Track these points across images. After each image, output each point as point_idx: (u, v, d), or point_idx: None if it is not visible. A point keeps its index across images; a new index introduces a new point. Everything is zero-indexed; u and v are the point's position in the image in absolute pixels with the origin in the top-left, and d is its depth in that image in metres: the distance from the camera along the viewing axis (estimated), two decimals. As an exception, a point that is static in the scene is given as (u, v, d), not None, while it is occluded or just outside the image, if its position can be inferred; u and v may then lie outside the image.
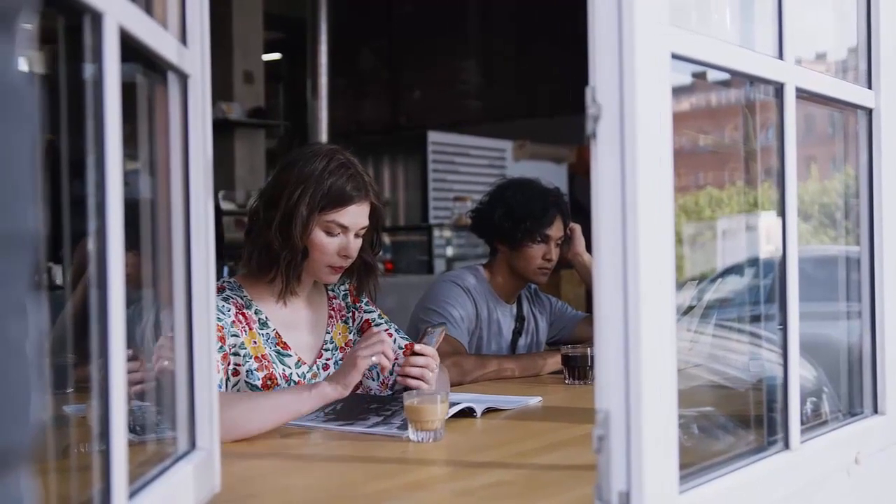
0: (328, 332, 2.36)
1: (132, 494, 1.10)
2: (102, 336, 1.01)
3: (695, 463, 1.35)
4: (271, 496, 1.59)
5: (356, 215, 2.22)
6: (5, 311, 0.55)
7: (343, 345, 2.38)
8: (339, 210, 2.20)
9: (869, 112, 1.82)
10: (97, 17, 1.00)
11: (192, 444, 1.38)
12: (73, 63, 1.05)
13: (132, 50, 1.12)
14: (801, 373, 1.57)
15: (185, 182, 1.37)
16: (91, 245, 1.02)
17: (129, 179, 1.11)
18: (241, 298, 2.23)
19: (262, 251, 2.22)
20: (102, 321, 1.01)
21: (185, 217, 1.37)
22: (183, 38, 1.36)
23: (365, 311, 2.44)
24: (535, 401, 2.37)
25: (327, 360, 2.33)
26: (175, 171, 1.36)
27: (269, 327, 2.24)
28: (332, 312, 2.39)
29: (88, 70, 1.03)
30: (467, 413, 2.12)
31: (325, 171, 2.19)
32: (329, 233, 2.21)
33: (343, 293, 2.44)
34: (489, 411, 2.19)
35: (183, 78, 1.35)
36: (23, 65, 0.58)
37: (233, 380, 2.14)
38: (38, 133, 0.58)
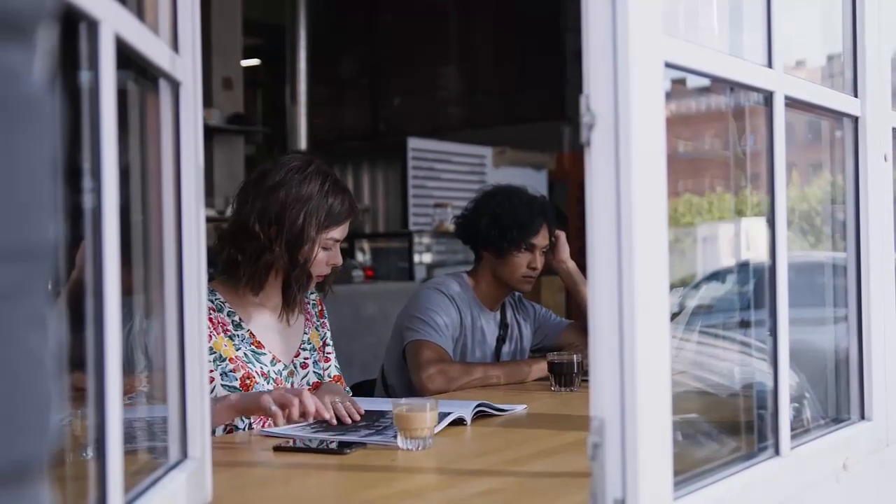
0: (306, 333, 2.46)
1: (126, 505, 1.09)
2: (98, 345, 1.00)
3: (688, 470, 1.35)
4: (262, 505, 1.58)
5: (346, 228, 2.37)
6: (27, 322, 0.55)
7: (318, 347, 2.48)
8: (337, 227, 2.33)
9: (855, 120, 1.84)
10: (93, 25, 0.99)
11: (184, 454, 1.37)
12: (67, 70, 1.04)
13: (124, 57, 1.12)
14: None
15: (176, 189, 1.36)
16: (87, 252, 1.01)
17: (120, 187, 1.10)
18: (212, 302, 2.25)
19: (264, 270, 2.28)
20: (98, 329, 1.00)
21: (176, 225, 1.36)
22: (175, 46, 1.35)
23: (327, 329, 2.55)
24: (520, 408, 2.37)
25: (305, 358, 2.43)
26: (166, 179, 1.35)
27: (243, 328, 2.31)
28: (308, 315, 2.49)
29: (83, 77, 1.02)
30: (457, 421, 2.12)
31: (322, 192, 2.29)
32: (325, 248, 2.33)
33: (312, 302, 2.54)
34: (479, 416, 2.20)
35: (175, 85, 1.35)
36: (42, 74, 0.58)
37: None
38: (57, 143, 0.58)
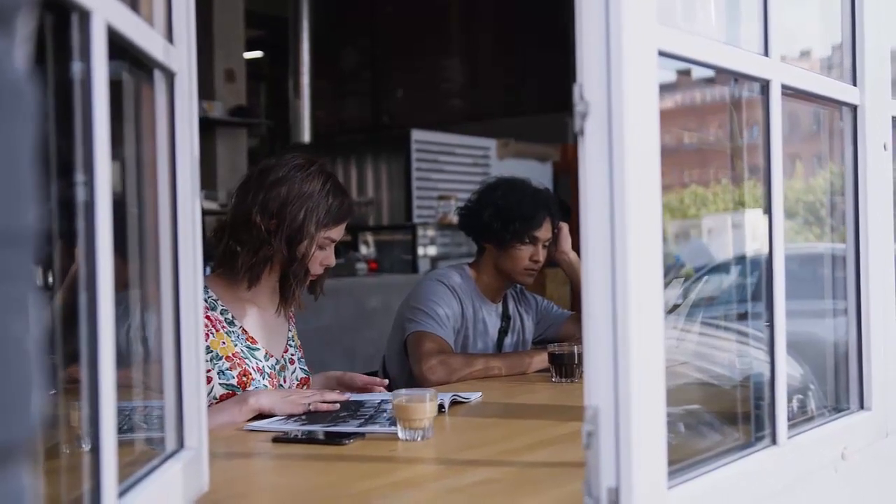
0: (290, 331, 2.51)
1: (121, 494, 1.10)
2: (92, 336, 1.00)
3: (683, 459, 1.35)
4: (259, 495, 1.59)
5: (343, 230, 2.40)
6: (8, 307, 0.56)
7: (298, 346, 2.53)
8: (336, 227, 2.36)
9: (854, 108, 1.83)
10: (85, 15, 0.99)
11: (181, 444, 1.37)
12: (59, 61, 1.05)
13: (118, 48, 1.12)
14: (787, 370, 1.58)
15: (171, 181, 1.36)
16: (80, 245, 1.01)
17: (114, 179, 1.10)
18: (205, 301, 2.26)
19: (261, 263, 2.31)
20: (91, 321, 1.00)
21: (172, 217, 1.36)
22: (169, 36, 1.35)
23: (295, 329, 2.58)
24: (475, 396, 2.40)
25: (292, 355, 2.48)
26: (162, 170, 1.36)
27: (236, 325, 2.33)
28: (291, 315, 2.53)
29: (75, 68, 1.02)
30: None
31: (323, 191, 2.33)
32: (321, 247, 2.35)
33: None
34: (476, 408, 2.21)
35: (169, 76, 1.35)
36: (22, 62, 0.58)
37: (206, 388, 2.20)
38: (37, 131, 0.59)
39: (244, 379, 2.27)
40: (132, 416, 1.47)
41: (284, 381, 2.40)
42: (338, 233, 2.37)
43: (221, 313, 2.32)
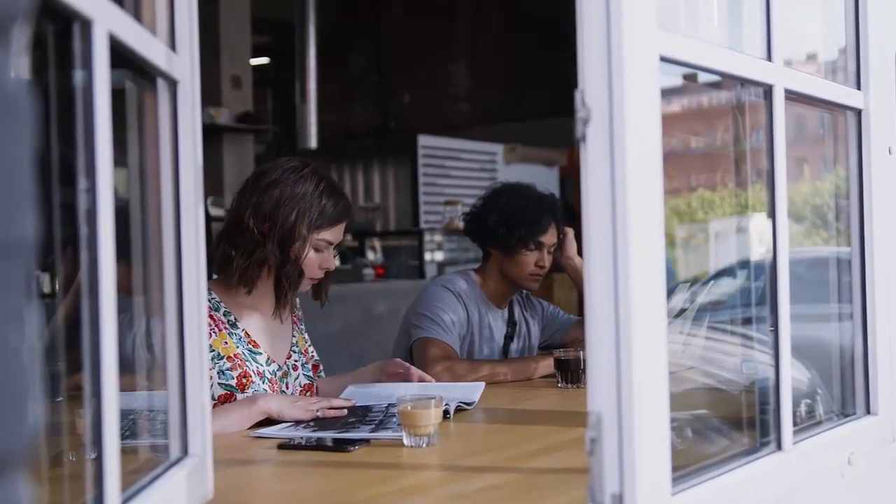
0: (294, 336, 2.49)
1: (125, 501, 1.10)
2: (94, 344, 1.01)
3: (688, 465, 1.35)
4: (264, 502, 1.59)
5: (341, 232, 2.38)
6: (4, 317, 0.56)
7: (303, 350, 2.52)
8: (330, 229, 2.34)
9: (858, 113, 1.83)
10: (87, 24, 1.00)
11: (185, 451, 1.37)
12: (62, 69, 1.05)
13: (121, 56, 1.12)
14: (794, 375, 1.57)
15: (175, 189, 1.36)
16: (82, 253, 1.02)
17: (118, 187, 1.10)
18: (209, 301, 2.27)
19: (255, 266, 2.30)
20: (94, 329, 1.01)
21: (175, 224, 1.36)
22: (172, 44, 1.35)
23: (306, 333, 2.57)
24: (480, 387, 2.42)
25: (295, 361, 2.47)
26: (165, 178, 1.36)
27: (238, 328, 2.33)
28: (295, 320, 2.53)
29: (78, 76, 1.03)
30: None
31: (316, 192, 2.32)
32: (317, 249, 2.34)
33: (297, 308, 2.58)
34: (458, 410, 2.24)
35: (172, 84, 1.35)
36: (19, 72, 0.58)
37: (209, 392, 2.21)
38: (34, 140, 0.59)
39: (243, 381, 2.26)
40: (137, 420, 1.47)
41: (287, 388, 2.39)
42: (333, 235, 2.35)
43: (224, 315, 2.32)
